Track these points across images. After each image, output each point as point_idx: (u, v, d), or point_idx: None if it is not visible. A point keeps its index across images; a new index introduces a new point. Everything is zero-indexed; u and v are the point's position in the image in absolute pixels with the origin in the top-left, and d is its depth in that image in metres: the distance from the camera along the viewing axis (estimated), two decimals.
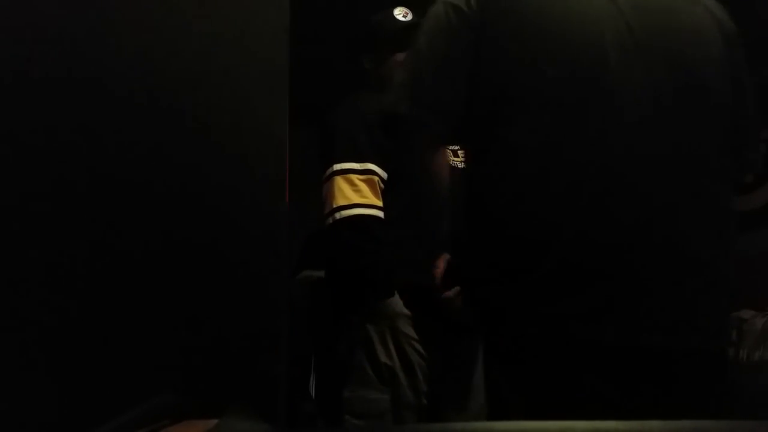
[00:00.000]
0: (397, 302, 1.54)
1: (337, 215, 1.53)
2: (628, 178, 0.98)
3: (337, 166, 1.57)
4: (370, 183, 1.56)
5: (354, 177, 1.55)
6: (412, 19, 1.73)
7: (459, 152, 1.62)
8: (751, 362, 2.65)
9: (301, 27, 1.17)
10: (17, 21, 0.61)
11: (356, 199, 1.53)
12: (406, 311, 1.54)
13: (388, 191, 1.58)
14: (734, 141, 1.09)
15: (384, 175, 1.59)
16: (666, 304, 0.97)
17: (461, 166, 1.55)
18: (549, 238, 0.97)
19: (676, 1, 1.11)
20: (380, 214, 1.55)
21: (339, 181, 1.55)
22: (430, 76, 1.08)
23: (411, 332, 1.54)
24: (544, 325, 0.96)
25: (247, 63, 0.94)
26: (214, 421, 0.65)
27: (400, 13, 1.76)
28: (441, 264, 1.31)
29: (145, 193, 0.76)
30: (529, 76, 1.03)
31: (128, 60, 0.75)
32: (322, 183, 1.60)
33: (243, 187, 0.91)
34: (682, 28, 1.08)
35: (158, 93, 0.80)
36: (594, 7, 1.06)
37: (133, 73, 0.76)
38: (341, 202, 1.53)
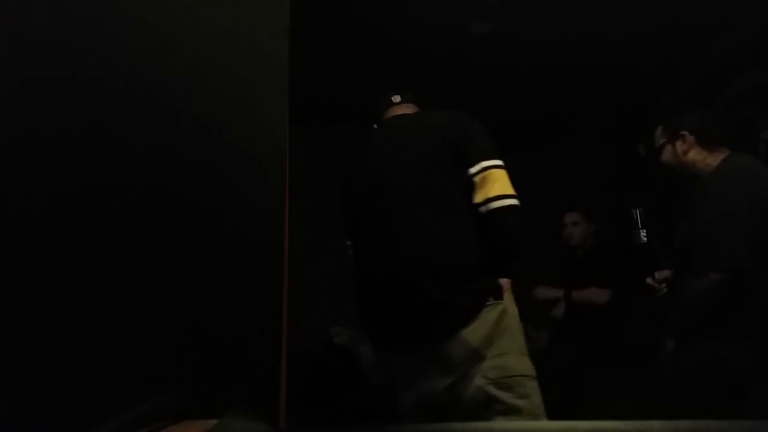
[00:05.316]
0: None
1: (514, 201, 1.77)
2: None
3: (500, 162, 1.81)
4: None
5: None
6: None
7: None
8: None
9: (301, 27, 1.18)
10: (16, 20, 0.61)
11: (514, 193, 1.79)
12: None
13: None
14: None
15: None
16: None
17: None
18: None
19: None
20: None
21: (505, 174, 1.79)
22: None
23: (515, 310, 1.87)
24: None
25: (248, 63, 0.94)
26: (214, 421, 0.65)
27: None
28: None
29: (144, 194, 0.76)
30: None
31: (128, 60, 0.75)
32: (479, 170, 1.79)
33: (243, 187, 0.91)
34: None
35: (158, 93, 0.80)
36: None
37: (132, 73, 0.76)
38: (511, 191, 1.78)
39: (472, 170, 1.77)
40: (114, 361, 0.70)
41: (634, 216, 2.54)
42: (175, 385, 0.75)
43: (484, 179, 1.77)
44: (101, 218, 0.70)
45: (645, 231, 2.52)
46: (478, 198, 1.76)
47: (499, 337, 1.75)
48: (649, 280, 2.28)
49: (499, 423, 1.60)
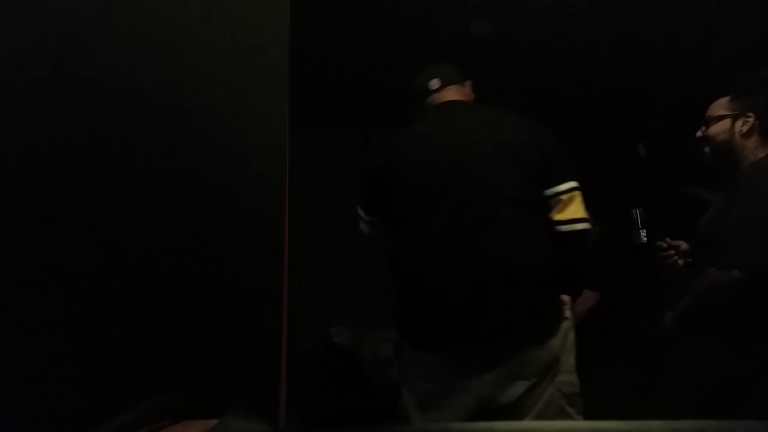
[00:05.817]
0: None
1: (588, 225, 1.81)
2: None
3: (577, 184, 1.81)
4: None
5: None
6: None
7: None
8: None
9: (301, 27, 1.18)
10: (16, 20, 0.61)
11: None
12: None
13: None
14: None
15: None
16: None
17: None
18: None
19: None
20: None
21: (581, 197, 1.81)
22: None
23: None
24: None
25: (247, 63, 0.94)
26: (214, 421, 0.65)
27: None
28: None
29: (145, 193, 0.76)
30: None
31: (128, 60, 0.75)
32: (568, 189, 1.81)
33: (243, 187, 0.91)
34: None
35: (158, 93, 0.80)
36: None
37: (132, 73, 0.76)
38: (586, 215, 1.81)
39: (562, 187, 1.78)
40: (115, 362, 0.70)
41: (634, 216, 2.53)
42: (176, 385, 0.75)
43: (571, 199, 1.79)
44: (101, 219, 0.70)
45: (645, 231, 2.52)
46: (563, 216, 1.78)
47: (568, 353, 1.77)
48: (659, 243, 2.17)
49: (500, 423, 1.60)
